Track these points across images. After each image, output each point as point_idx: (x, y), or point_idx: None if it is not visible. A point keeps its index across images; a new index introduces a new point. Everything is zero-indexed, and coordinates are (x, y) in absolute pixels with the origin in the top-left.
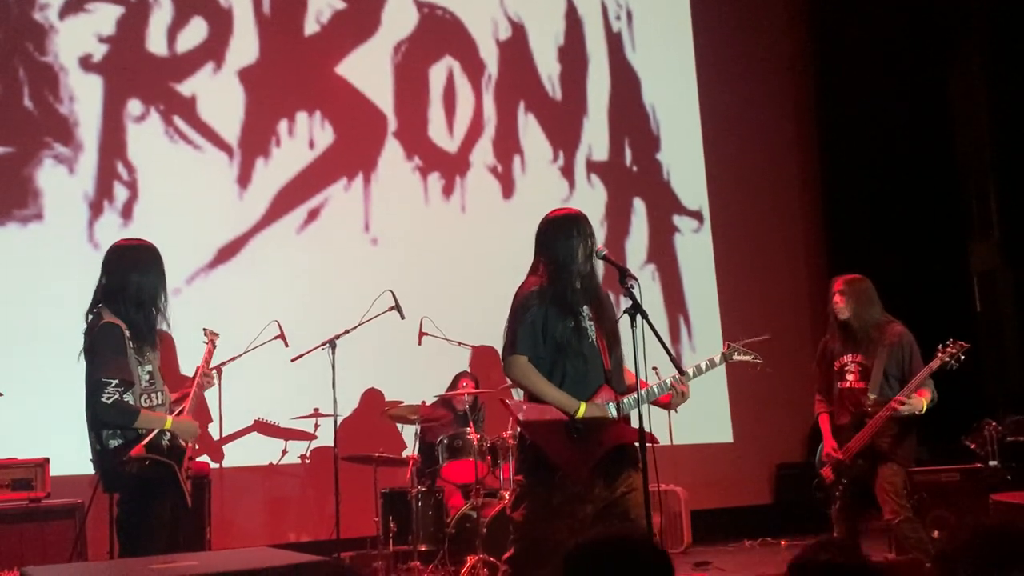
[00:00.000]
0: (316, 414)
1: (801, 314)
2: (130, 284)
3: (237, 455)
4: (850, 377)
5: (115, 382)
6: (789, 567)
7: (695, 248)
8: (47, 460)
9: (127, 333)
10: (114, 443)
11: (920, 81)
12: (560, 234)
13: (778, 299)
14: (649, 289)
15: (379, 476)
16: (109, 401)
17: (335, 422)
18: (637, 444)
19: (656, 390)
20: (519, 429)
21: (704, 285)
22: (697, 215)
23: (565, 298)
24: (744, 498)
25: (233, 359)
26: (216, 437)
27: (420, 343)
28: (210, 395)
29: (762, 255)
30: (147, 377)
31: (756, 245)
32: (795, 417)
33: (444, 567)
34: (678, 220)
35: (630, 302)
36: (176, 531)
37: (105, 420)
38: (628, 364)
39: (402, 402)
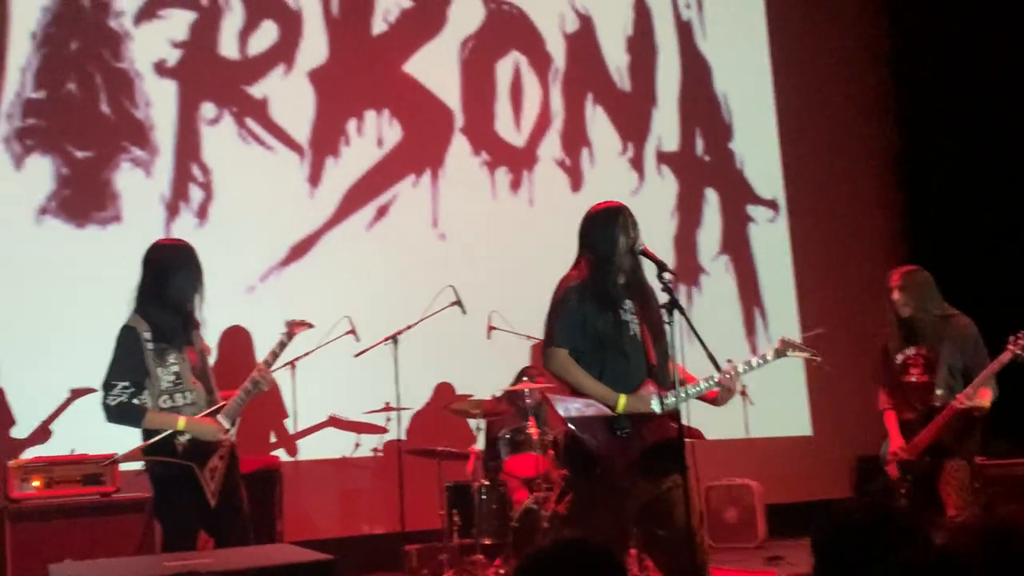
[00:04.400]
0: (387, 408)
1: (880, 303)
2: (158, 285)
3: (310, 448)
4: (914, 372)
5: (123, 383)
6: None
7: (771, 238)
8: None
9: (146, 335)
10: (139, 442)
11: (1005, 68)
12: (600, 227)
13: (856, 289)
14: (723, 280)
15: (448, 470)
16: (113, 403)
17: (399, 416)
18: (681, 440)
19: (703, 386)
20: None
21: (780, 276)
22: (772, 204)
23: (606, 291)
24: (823, 491)
25: (306, 355)
26: (291, 431)
27: (489, 337)
28: (285, 390)
29: (840, 244)
30: (171, 378)
31: (834, 234)
32: (876, 408)
33: (508, 561)
34: (752, 210)
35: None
36: (235, 525)
37: (111, 421)
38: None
39: (471, 396)
